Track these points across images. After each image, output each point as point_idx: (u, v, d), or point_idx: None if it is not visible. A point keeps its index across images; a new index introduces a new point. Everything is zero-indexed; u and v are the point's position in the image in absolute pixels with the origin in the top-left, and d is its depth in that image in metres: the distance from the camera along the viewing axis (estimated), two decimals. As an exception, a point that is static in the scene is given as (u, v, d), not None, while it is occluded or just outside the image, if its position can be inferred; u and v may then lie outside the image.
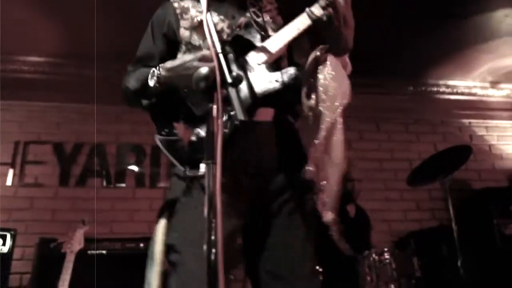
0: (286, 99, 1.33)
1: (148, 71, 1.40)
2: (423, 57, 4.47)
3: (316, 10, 1.32)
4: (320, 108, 1.17)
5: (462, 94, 5.12)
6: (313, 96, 1.21)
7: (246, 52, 1.36)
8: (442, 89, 5.06)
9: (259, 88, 1.29)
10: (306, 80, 1.23)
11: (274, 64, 1.33)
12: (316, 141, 1.16)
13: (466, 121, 5.16)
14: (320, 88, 1.18)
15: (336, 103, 1.15)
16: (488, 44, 4.27)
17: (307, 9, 1.34)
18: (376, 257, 2.59)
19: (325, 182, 1.20)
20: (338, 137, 1.15)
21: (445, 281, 3.08)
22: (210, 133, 0.94)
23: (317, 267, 2.70)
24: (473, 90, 5.12)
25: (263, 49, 1.32)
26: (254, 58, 1.34)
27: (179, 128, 1.30)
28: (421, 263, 2.81)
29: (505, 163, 5.09)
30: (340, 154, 1.16)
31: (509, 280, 3.36)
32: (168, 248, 1.24)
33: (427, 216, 4.53)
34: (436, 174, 3.12)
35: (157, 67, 1.36)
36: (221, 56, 0.96)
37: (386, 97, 4.92)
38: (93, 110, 4.02)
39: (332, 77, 1.17)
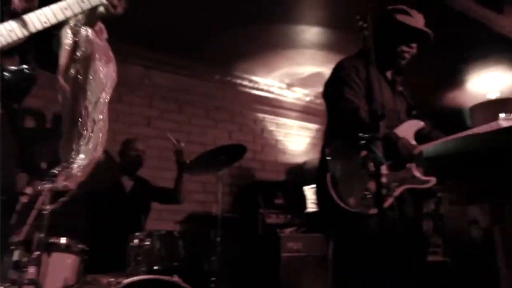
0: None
1: None
2: (233, 50, 4.71)
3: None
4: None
5: (262, 90, 5.58)
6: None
7: None
8: (246, 82, 5.43)
9: None
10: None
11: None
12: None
13: (261, 115, 5.65)
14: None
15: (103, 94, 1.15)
16: (287, 51, 4.74)
17: None
18: (138, 242, 2.67)
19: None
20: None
21: (204, 264, 3.37)
22: None
23: (84, 246, 2.65)
24: (272, 89, 5.63)
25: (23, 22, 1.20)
26: None
27: None
28: (187, 246, 2.99)
29: (286, 157, 5.77)
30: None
31: (265, 262, 3.86)
32: None
33: (211, 198, 4.84)
34: (209, 167, 3.36)
35: None
36: None
37: (193, 81, 5.05)
38: None
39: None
